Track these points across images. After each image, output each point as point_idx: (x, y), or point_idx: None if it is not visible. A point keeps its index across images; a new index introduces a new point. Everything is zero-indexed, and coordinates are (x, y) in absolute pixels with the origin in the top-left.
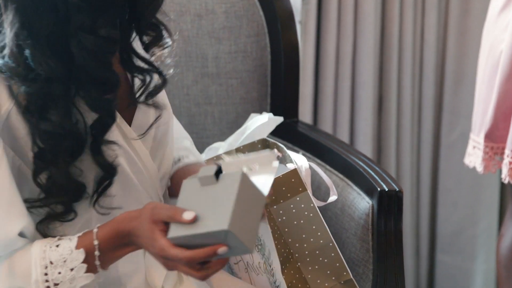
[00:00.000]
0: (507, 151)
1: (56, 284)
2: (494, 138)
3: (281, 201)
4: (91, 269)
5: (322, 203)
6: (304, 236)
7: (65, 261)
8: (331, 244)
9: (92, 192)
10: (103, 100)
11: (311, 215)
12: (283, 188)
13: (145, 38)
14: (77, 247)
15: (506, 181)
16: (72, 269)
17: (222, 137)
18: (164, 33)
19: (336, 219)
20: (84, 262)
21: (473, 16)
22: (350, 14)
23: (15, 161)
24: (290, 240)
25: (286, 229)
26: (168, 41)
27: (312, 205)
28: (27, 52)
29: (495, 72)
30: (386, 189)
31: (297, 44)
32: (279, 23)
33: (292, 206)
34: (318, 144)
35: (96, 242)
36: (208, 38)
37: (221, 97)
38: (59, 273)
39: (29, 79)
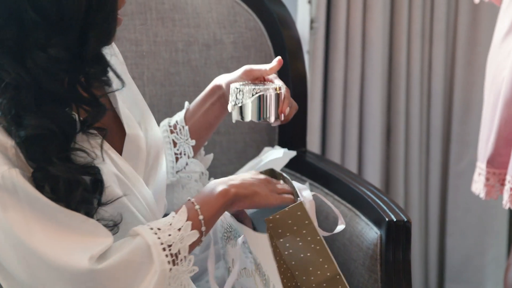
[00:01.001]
0: (508, 177)
1: (169, 246)
2: (497, 164)
3: (287, 234)
4: (195, 226)
5: (329, 233)
6: (311, 268)
7: (171, 224)
8: (338, 277)
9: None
10: (61, 113)
11: (317, 247)
12: (289, 221)
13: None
14: (177, 212)
15: (506, 207)
16: (179, 229)
17: (230, 166)
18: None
19: (344, 249)
20: (188, 220)
21: (481, 46)
22: (358, 44)
23: None
24: (296, 273)
25: (293, 262)
26: (106, 78)
27: (318, 237)
28: None
29: (498, 99)
30: (395, 219)
31: (305, 74)
32: (287, 53)
33: (298, 239)
34: (326, 174)
35: (192, 199)
36: (217, 68)
37: (229, 126)
38: (169, 235)
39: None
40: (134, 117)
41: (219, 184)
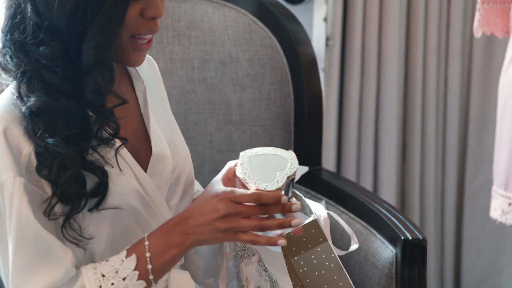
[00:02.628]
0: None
1: None
2: None
3: (302, 252)
4: (143, 276)
5: (343, 252)
6: (325, 286)
7: (116, 272)
8: None
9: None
10: (73, 109)
11: (332, 265)
12: (304, 239)
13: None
14: (127, 256)
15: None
16: (124, 279)
17: None
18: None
19: (360, 267)
20: (136, 269)
21: (497, 63)
22: (373, 61)
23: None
24: None
25: (308, 280)
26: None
27: (333, 255)
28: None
29: None
30: (410, 238)
31: (321, 92)
32: (303, 71)
33: (313, 256)
34: (341, 192)
35: (147, 243)
36: (232, 85)
37: (244, 144)
38: (112, 284)
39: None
40: (165, 137)
41: (176, 231)
